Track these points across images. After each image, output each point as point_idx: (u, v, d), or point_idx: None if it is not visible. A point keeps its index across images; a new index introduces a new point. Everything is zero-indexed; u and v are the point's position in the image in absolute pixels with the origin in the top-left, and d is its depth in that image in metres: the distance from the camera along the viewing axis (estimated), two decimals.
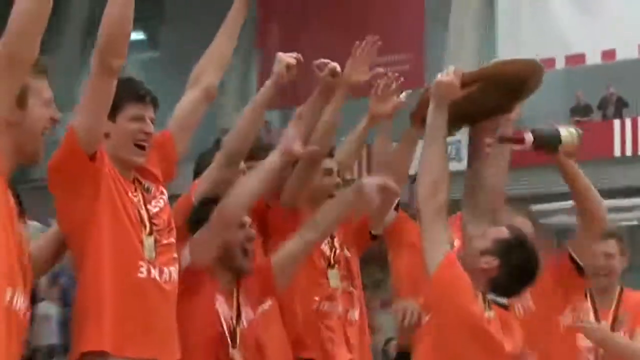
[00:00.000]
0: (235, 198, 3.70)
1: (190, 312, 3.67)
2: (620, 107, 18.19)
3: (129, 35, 3.26)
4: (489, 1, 21.02)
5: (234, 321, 3.79)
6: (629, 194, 15.11)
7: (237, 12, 3.94)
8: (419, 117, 3.85)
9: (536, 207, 13.02)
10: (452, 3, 20.92)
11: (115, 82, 3.25)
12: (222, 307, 3.77)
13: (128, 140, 3.47)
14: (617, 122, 17.28)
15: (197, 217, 3.77)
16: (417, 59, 20.46)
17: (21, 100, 2.90)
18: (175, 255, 3.51)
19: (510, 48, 19.28)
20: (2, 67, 2.83)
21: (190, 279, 3.67)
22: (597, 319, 4.61)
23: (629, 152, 17.08)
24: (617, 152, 16.57)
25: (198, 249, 3.69)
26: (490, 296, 3.49)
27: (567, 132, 3.73)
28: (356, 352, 4.56)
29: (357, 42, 4.33)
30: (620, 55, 19.01)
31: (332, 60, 4.09)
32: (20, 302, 2.89)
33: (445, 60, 19.99)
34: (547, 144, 3.72)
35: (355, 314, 4.61)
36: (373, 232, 4.71)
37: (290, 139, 3.79)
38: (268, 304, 4.12)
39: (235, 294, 3.84)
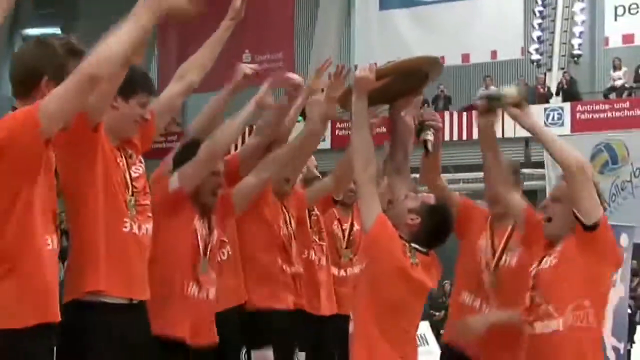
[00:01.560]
0: (219, 137, 3.86)
1: (173, 227, 3.80)
2: (447, 102, 18.75)
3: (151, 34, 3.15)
4: (346, 19, 21.62)
5: (207, 237, 3.93)
6: (455, 169, 15.55)
7: (224, 29, 3.92)
8: (341, 101, 4.07)
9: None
10: (318, 14, 21.35)
11: (124, 74, 3.10)
12: (198, 225, 3.90)
13: (132, 120, 3.43)
14: (446, 114, 17.74)
15: (183, 156, 3.88)
16: (288, 59, 20.55)
17: (59, 81, 2.76)
18: (150, 214, 3.46)
19: (364, 54, 20.21)
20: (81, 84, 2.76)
21: (174, 202, 3.82)
22: (492, 242, 4.40)
23: (455, 137, 17.56)
24: (446, 137, 16.95)
25: (187, 176, 3.80)
26: (414, 245, 3.62)
27: (509, 89, 3.85)
28: (325, 288, 4.92)
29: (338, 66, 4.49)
30: (448, 62, 19.59)
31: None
32: (55, 244, 2.90)
33: (311, 61, 20.03)
34: (492, 99, 3.86)
35: (323, 260, 4.97)
36: (335, 198, 5.19)
37: (262, 93, 4.00)
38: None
39: (207, 218, 3.97)
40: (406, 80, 3.79)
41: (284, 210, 4.66)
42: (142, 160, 3.51)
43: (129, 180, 3.37)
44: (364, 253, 3.89)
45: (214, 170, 3.92)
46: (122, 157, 3.39)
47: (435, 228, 3.65)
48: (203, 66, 3.88)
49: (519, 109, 3.77)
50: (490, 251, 4.38)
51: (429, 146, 4.07)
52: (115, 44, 2.76)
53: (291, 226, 4.66)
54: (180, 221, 3.80)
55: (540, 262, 3.75)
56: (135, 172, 3.42)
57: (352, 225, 5.37)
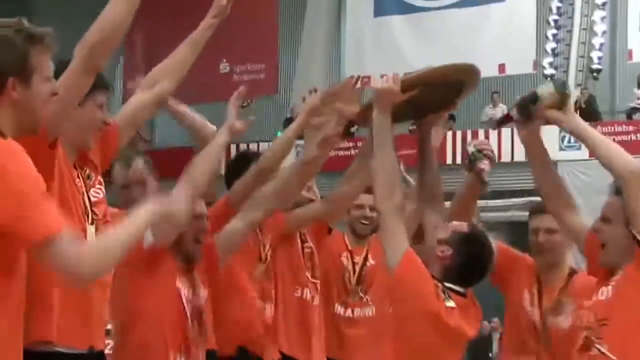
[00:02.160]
0: (193, 176, 3.63)
1: (152, 289, 3.64)
2: (450, 121, 18.66)
3: (121, 38, 3.16)
4: (336, 22, 21.35)
5: (193, 298, 3.77)
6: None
7: (206, 27, 3.71)
8: (360, 118, 3.90)
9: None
10: (304, 22, 20.92)
11: (91, 82, 3.10)
12: (182, 284, 3.74)
13: (91, 126, 3.26)
14: (449, 134, 17.59)
15: None
16: (271, 69, 20.53)
17: (26, 77, 2.64)
18: None
19: (355, 64, 19.93)
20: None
21: (151, 259, 3.62)
22: (539, 299, 4.24)
23: (459, 161, 17.42)
24: (449, 160, 16.80)
25: (161, 229, 3.52)
26: (448, 285, 3.43)
27: (544, 87, 3.62)
28: (317, 331, 4.79)
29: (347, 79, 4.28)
30: None
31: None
32: None
33: (297, 72, 19.99)
34: (526, 104, 3.61)
35: (317, 299, 4.84)
36: (330, 226, 5.08)
37: (232, 118, 3.81)
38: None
39: (190, 273, 3.81)
40: (437, 93, 3.61)
41: (261, 247, 4.49)
42: (102, 182, 3.34)
43: (88, 205, 3.20)
44: (389, 296, 3.65)
45: (195, 213, 3.70)
46: (79, 177, 3.21)
47: (471, 260, 3.44)
48: (178, 71, 3.66)
49: (561, 109, 3.54)
50: (537, 310, 4.20)
51: (485, 177, 3.92)
52: (113, 247, 2.62)
53: (267, 260, 4.51)
54: (159, 281, 3.62)
55: (598, 294, 3.50)
56: (94, 196, 3.25)
57: (365, 259, 5.21)
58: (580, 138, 3.52)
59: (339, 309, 5.13)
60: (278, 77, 20.63)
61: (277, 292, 4.62)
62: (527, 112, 3.61)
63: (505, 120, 3.76)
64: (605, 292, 3.48)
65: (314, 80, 18.59)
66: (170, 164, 4.50)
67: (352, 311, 5.14)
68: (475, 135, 17.28)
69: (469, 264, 3.44)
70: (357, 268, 5.19)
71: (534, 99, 3.58)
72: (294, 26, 21.14)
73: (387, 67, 17.07)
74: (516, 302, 4.26)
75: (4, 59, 2.62)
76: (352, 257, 5.22)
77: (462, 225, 3.53)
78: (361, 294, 5.17)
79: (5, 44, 2.63)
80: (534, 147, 3.71)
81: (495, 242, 4.10)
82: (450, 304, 3.38)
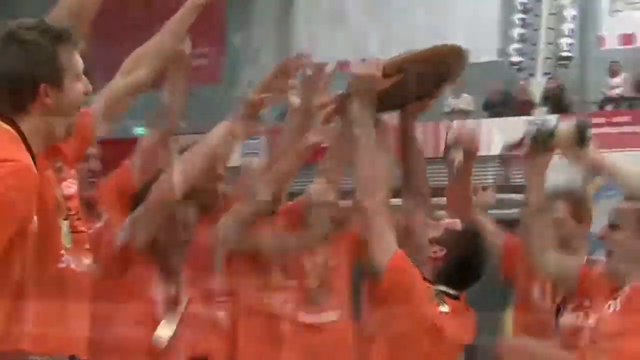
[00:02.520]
0: (179, 175, 3.61)
1: (124, 296, 3.54)
2: None
3: (94, 12, 3.27)
4: (288, 7, 21.69)
5: (171, 302, 3.65)
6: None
7: (192, 7, 3.72)
8: (337, 109, 3.80)
9: None
10: (254, 4, 20.71)
11: None
12: (159, 293, 3.64)
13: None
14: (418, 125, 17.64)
15: (139, 198, 3.65)
16: (216, 55, 20.39)
17: (58, 80, 2.66)
18: (88, 246, 3.19)
19: (309, 48, 19.60)
20: None
21: (120, 260, 3.55)
22: (553, 291, 4.26)
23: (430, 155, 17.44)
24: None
25: (137, 227, 3.55)
26: (441, 288, 3.42)
27: (564, 125, 3.67)
28: (289, 344, 4.62)
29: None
30: None
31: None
32: None
33: (243, 59, 20.01)
34: (542, 137, 3.69)
35: (289, 306, 4.68)
36: None
37: (239, 117, 3.76)
38: None
39: (171, 284, 3.68)
40: (422, 78, 3.57)
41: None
42: (75, 176, 3.25)
43: (60, 199, 3.10)
44: (377, 301, 3.61)
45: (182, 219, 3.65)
46: (49, 169, 3.09)
47: (466, 261, 3.43)
48: (158, 57, 3.63)
49: (577, 147, 3.61)
50: (550, 302, 4.23)
51: (452, 169, 3.94)
52: None
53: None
54: (133, 287, 3.55)
55: (605, 308, 3.48)
56: (66, 190, 3.15)
57: (326, 259, 5.13)
58: (598, 172, 3.66)
59: (300, 315, 5.06)
60: (224, 63, 20.52)
61: (237, 300, 4.51)
62: (541, 145, 3.69)
63: (515, 147, 3.83)
64: (613, 306, 3.47)
65: (265, 66, 18.55)
66: (115, 155, 4.42)
67: (315, 317, 5.07)
68: (435, 127, 17.29)
69: (463, 264, 3.44)
70: (319, 269, 5.12)
71: (550, 133, 3.67)
72: (243, 10, 21.08)
73: (343, 53, 17.07)
74: (526, 294, 4.31)
75: (34, 64, 2.65)
76: (311, 258, 5.16)
77: (455, 223, 3.56)
78: (323, 298, 5.10)
79: (34, 48, 2.66)
80: (534, 181, 3.76)
81: (504, 235, 4.33)
82: (445, 308, 3.38)
